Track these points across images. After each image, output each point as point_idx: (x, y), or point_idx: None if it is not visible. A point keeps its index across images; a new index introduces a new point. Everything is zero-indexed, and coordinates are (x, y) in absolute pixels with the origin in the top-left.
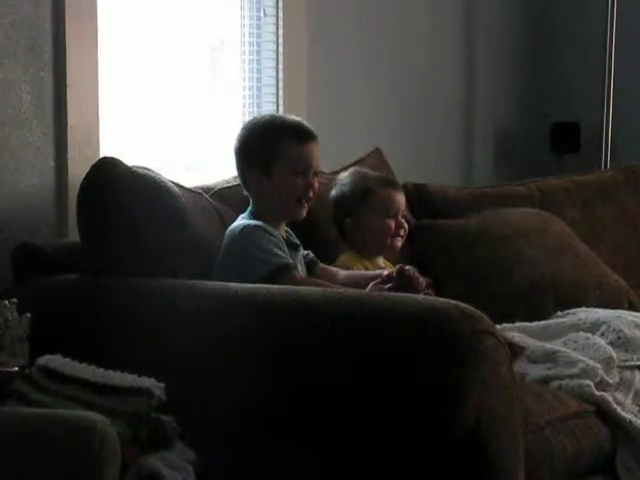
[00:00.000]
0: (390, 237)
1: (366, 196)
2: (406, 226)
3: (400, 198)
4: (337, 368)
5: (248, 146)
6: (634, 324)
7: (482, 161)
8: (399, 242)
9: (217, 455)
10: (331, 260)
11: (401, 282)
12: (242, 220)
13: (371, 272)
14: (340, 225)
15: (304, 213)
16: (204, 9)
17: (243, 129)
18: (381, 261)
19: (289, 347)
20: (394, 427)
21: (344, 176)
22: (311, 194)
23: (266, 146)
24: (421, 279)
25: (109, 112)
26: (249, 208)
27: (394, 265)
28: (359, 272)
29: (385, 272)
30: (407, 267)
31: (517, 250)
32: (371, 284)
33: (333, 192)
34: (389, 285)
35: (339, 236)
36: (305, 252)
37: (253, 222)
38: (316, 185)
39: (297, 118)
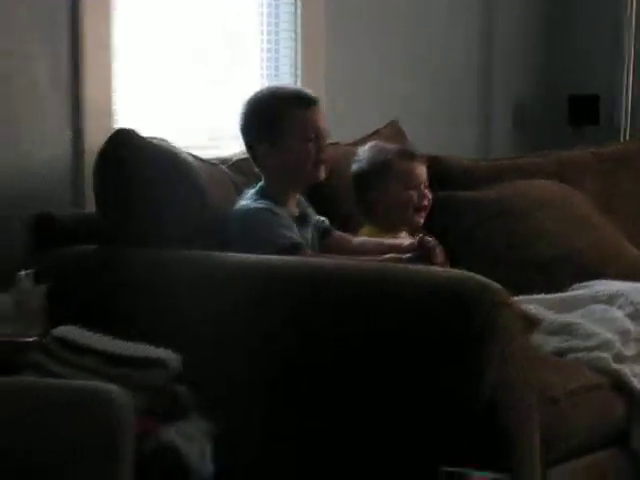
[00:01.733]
0: (412, 208)
1: (385, 169)
2: (430, 197)
3: (421, 169)
4: (352, 341)
5: (253, 121)
6: None
7: (499, 133)
8: (422, 215)
9: (233, 425)
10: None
11: (421, 253)
12: (249, 199)
13: (388, 241)
14: (361, 200)
15: (323, 174)
16: None
17: (245, 106)
18: (403, 235)
19: (303, 320)
20: (411, 400)
21: (362, 150)
22: (323, 157)
23: (271, 118)
24: (439, 250)
25: (125, 84)
26: (260, 184)
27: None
28: (375, 240)
29: (406, 242)
30: (428, 238)
31: (535, 222)
32: (389, 255)
33: (353, 167)
34: (408, 255)
35: (361, 212)
36: (320, 219)
37: (259, 204)
38: (326, 147)
39: (296, 86)
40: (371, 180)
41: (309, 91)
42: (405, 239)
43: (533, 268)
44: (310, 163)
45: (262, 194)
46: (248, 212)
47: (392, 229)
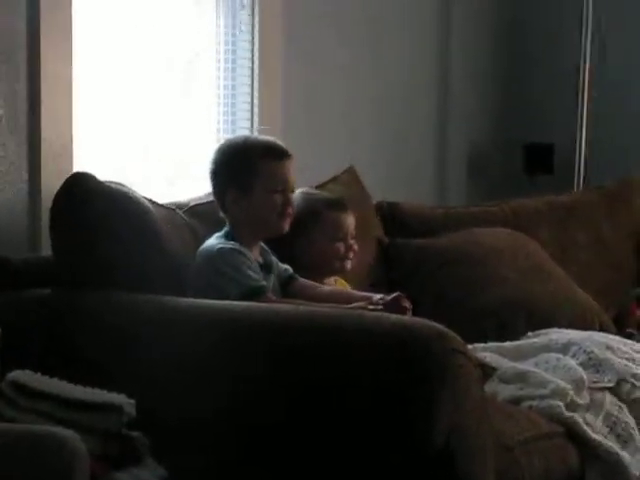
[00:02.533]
0: (339, 260)
1: (314, 219)
2: (355, 247)
3: (349, 220)
4: (309, 385)
5: (224, 167)
6: (605, 345)
7: (456, 180)
8: (348, 264)
9: (187, 472)
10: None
11: (394, 307)
12: (216, 240)
13: (359, 293)
14: (290, 246)
15: (286, 227)
16: (179, 24)
17: (218, 151)
18: (332, 281)
19: (263, 362)
20: (365, 445)
21: (293, 197)
22: (290, 210)
23: (243, 166)
24: (409, 311)
25: (83, 126)
26: (225, 228)
27: (359, 280)
28: (346, 291)
29: (376, 296)
30: (405, 298)
31: (490, 270)
32: (356, 304)
33: None
34: (376, 307)
35: (288, 257)
36: (283, 267)
37: (229, 244)
38: (294, 202)
39: (271, 138)
40: (300, 228)
41: (281, 144)
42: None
43: (487, 315)
44: (275, 214)
45: (227, 239)
46: (216, 250)
47: (318, 277)
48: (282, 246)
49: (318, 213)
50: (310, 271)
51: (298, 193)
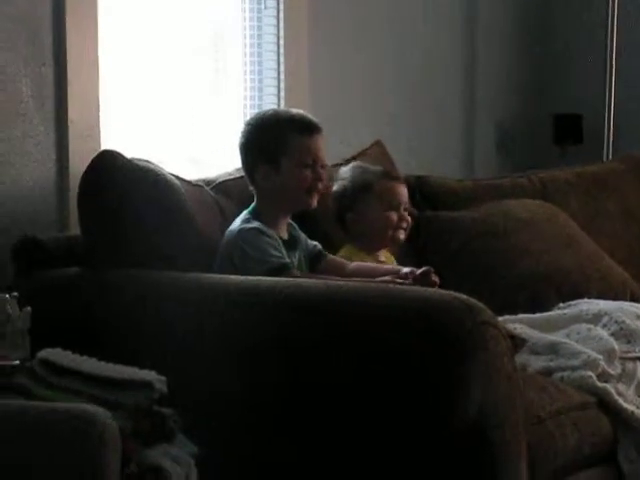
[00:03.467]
0: (392, 230)
1: (366, 189)
2: (409, 218)
3: (402, 190)
4: (338, 360)
5: (254, 141)
6: (636, 315)
7: (484, 153)
8: (402, 235)
9: (218, 448)
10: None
11: (423, 282)
12: (241, 220)
13: (384, 266)
14: (342, 220)
15: (315, 203)
16: (204, 1)
17: (248, 124)
18: (382, 255)
19: (291, 340)
20: (396, 419)
21: (344, 170)
22: (320, 186)
23: (273, 140)
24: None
25: (110, 105)
26: (252, 205)
27: (396, 258)
28: (370, 265)
29: (404, 270)
30: (433, 272)
31: (519, 242)
32: (386, 277)
33: (334, 187)
34: (403, 281)
35: (341, 231)
36: (312, 244)
37: (250, 224)
38: (324, 177)
39: (301, 111)
40: (352, 200)
41: (313, 117)
42: (385, 260)
43: (518, 287)
44: (304, 190)
45: (254, 215)
46: (238, 232)
47: (372, 249)
48: (336, 220)
49: (370, 183)
50: (364, 242)
51: (349, 167)
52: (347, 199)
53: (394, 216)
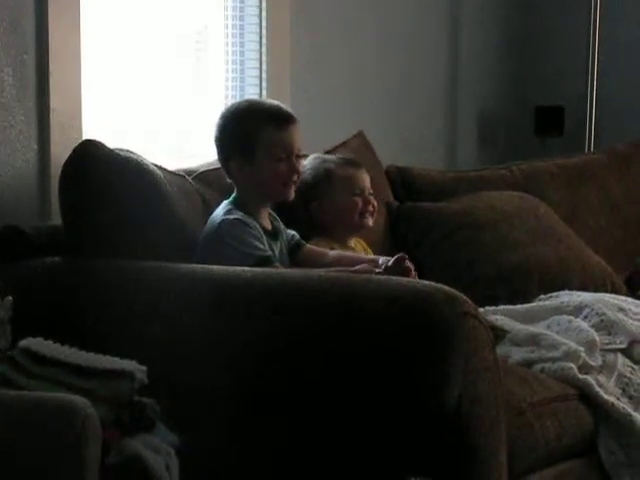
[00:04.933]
0: (358, 214)
1: (328, 177)
2: (374, 202)
3: (363, 176)
4: (318, 351)
5: (228, 134)
6: (617, 307)
7: (466, 144)
8: (369, 220)
9: (199, 437)
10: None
11: (397, 270)
12: (223, 210)
13: (364, 255)
14: (307, 212)
15: (292, 194)
16: None
17: (221, 117)
18: (352, 242)
19: (270, 330)
20: (377, 410)
21: (305, 162)
22: (295, 177)
23: (246, 133)
24: (414, 272)
25: (92, 95)
26: (233, 195)
27: (375, 248)
28: (350, 254)
29: (382, 259)
30: (406, 258)
31: (500, 233)
32: (361, 265)
33: None
34: (380, 270)
35: (307, 225)
36: (290, 234)
37: (232, 215)
38: (300, 168)
39: (275, 102)
40: (315, 190)
41: (288, 109)
42: (354, 249)
43: (498, 279)
44: (280, 182)
45: (235, 204)
46: (219, 222)
47: (341, 237)
48: (297, 212)
49: (330, 172)
50: (331, 231)
51: (309, 159)
52: (309, 189)
53: (359, 200)
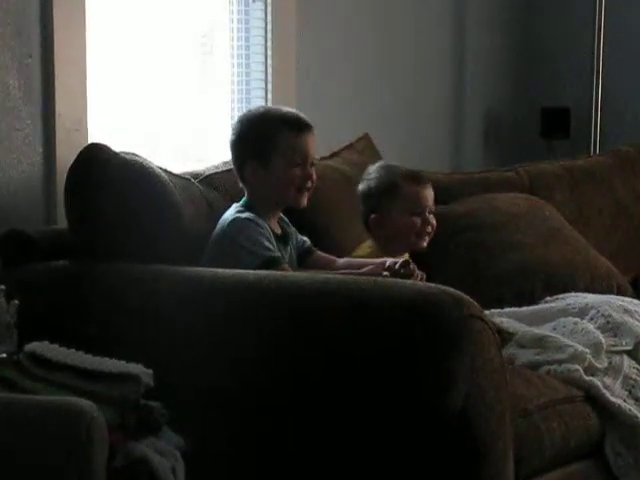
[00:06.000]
0: (415, 235)
1: (392, 192)
2: (434, 222)
3: (428, 194)
4: (324, 352)
5: (244, 138)
6: (623, 309)
7: (471, 146)
8: (424, 241)
9: (204, 441)
10: (329, 248)
11: (403, 272)
12: (234, 210)
13: (373, 260)
14: (365, 219)
15: (305, 201)
16: None
17: (239, 121)
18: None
19: (275, 332)
20: (384, 411)
21: (372, 169)
22: (309, 184)
23: (263, 138)
24: (421, 276)
25: (98, 99)
26: (244, 198)
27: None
28: (360, 260)
29: (388, 261)
30: (410, 262)
31: (506, 235)
32: (368, 268)
33: (360, 186)
34: (387, 273)
35: (366, 231)
36: (302, 239)
37: (244, 214)
38: (314, 175)
39: (293, 110)
40: (376, 201)
41: (304, 116)
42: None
43: (505, 281)
44: (294, 188)
45: (247, 207)
46: (231, 220)
47: (392, 252)
48: (361, 217)
49: (396, 186)
50: (385, 245)
51: (375, 167)
52: (371, 200)
53: (417, 221)
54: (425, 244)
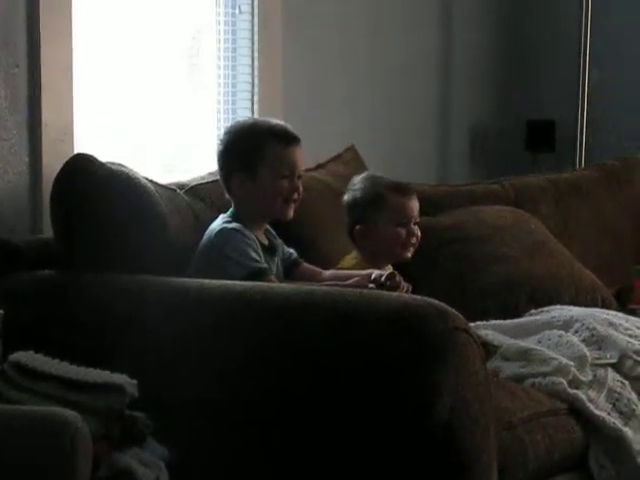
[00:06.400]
0: (400, 246)
1: (378, 202)
2: (418, 234)
3: (413, 205)
4: (309, 364)
5: (232, 149)
6: (607, 322)
7: (457, 159)
8: (409, 252)
9: (189, 451)
10: (315, 260)
11: (389, 285)
12: (221, 221)
13: (358, 271)
14: (350, 230)
15: (291, 213)
16: (179, 6)
17: (226, 133)
18: (387, 269)
19: (261, 343)
20: (368, 422)
21: (356, 180)
22: (296, 196)
23: (251, 149)
24: (406, 288)
25: (84, 109)
26: (231, 209)
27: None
28: (346, 272)
29: (374, 273)
30: (397, 274)
31: (491, 248)
32: (354, 279)
33: (345, 197)
34: (373, 286)
35: (350, 242)
36: (288, 251)
37: (230, 225)
38: (301, 187)
39: (280, 122)
40: (362, 212)
41: (292, 128)
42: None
43: (489, 293)
44: (280, 200)
45: (234, 218)
46: (218, 231)
47: (377, 262)
48: (346, 228)
49: (382, 196)
50: (369, 256)
51: (360, 177)
52: (357, 211)
53: (403, 232)
54: (409, 255)
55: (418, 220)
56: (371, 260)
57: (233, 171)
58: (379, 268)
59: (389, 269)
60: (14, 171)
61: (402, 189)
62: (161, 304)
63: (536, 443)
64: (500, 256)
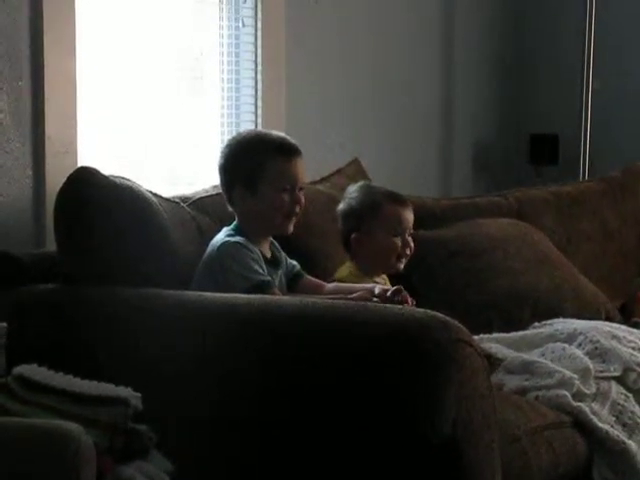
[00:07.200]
0: (395, 256)
1: (374, 211)
2: (412, 245)
3: (409, 215)
4: (315, 377)
5: (233, 163)
6: (611, 335)
7: (461, 172)
8: (402, 263)
9: (192, 465)
10: (317, 273)
11: (394, 301)
12: (225, 234)
13: (362, 285)
14: (345, 239)
15: (291, 228)
16: (183, 20)
17: (227, 146)
18: (380, 279)
19: (266, 357)
20: (370, 435)
21: (353, 189)
22: (297, 209)
23: (251, 163)
24: (411, 302)
25: (88, 122)
26: (234, 222)
27: (390, 280)
28: (348, 285)
29: (378, 287)
30: (404, 291)
31: (495, 261)
32: (358, 293)
33: (341, 205)
34: (377, 300)
35: (345, 250)
36: (292, 264)
37: (233, 238)
38: (302, 200)
39: (281, 134)
40: (358, 220)
41: (293, 141)
42: (380, 283)
43: (493, 306)
44: (282, 214)
45: (237, 231)
46: (221, 244)
47: (371, 272)
48: (341, 238)
49: (378, 205)
50: (364, 265)
51: (356, 187)
52: (353, 219)
53: (398, 242)
54: (402, 266)
55: (412, 232)
56: (365, 269)
57: (235, 184)
58: (372, 278)
59: (383, 279)
60: (17, 184)
61: (398, 199)
62: (165, 317)
63: (540, 456)
64: (504, 269)
